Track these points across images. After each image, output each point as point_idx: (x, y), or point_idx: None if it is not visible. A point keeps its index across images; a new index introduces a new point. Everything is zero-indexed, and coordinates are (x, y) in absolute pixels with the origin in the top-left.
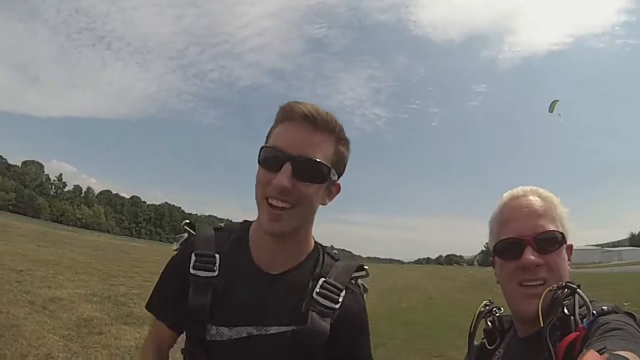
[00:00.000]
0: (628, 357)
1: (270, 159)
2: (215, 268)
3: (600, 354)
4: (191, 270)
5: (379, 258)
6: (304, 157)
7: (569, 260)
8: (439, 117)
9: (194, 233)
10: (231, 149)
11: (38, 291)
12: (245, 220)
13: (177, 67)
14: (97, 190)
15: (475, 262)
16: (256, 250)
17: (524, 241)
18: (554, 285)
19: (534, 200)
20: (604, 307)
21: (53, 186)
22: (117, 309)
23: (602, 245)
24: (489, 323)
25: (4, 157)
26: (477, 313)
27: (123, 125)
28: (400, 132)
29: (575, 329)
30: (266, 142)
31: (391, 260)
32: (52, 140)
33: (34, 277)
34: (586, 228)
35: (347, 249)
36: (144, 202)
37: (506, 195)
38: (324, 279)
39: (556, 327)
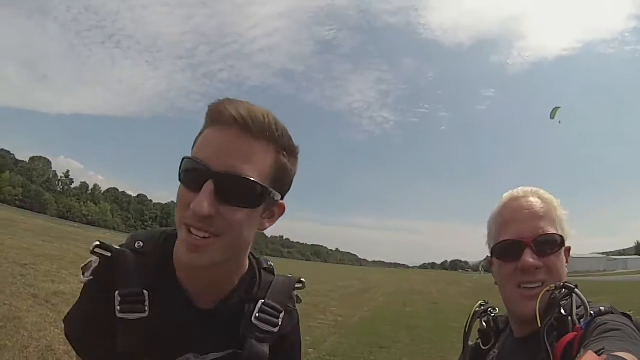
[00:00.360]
0: (626, 358)
1: (191, 175)
2: (145, 308)
3: (599, 355)
4: (118, 315)
5: (384, 262)
6: (231, 174)
7: (567, 262)
8: (448, 121)
9: (109, 257)
10: None
11: (41, 285)
12: (164, 234)
13: (187, 66)
14: (103, 188)
15: (480, 268)
16: (185, 279)
17: (523, 243)
18: (552, 286)
19: (535, 201)
20: (601, 308)
21: (60, 182)
22: None
23: (607, 254)
24: (484, 323)
25: (11, 153)
26: (472, 313)
27: (131, 124)
28: (408, 135)
29: (572, 329)
30: (191, 153)
31: (396, 265)
32: (60, 137)
33: (38, 271)
34: (592, 236)
35: (352, 253)
36: (150, 200)
37: (506, 195)
38: (262, 301)
39: (554, 328)
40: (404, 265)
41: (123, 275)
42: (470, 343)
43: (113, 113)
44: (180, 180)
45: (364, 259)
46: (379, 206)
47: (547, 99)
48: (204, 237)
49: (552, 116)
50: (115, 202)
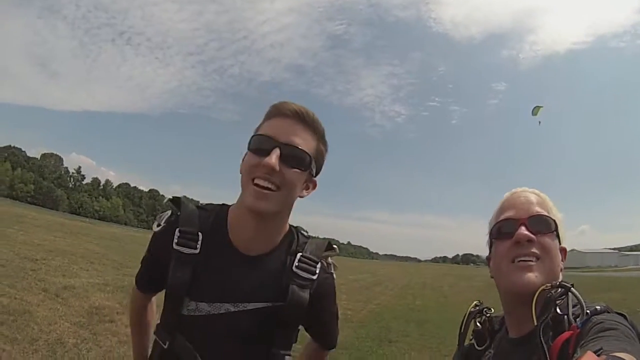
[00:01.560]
0: (625, 358)
1: (261, 145)
2: (197, 246)
3: (598, 355)
4: (174, 246)
5: (395, 256)
6: (291, 144)
7: (562, 261)
8: (459, 115)
9: (178, 211)
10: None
11: (52, 279)
12: (224, 204)
13: (197, 62)
14: (115, 184)
15: None
16: (234, 232)
17: (519, 220)
18: (548, 285)
19: (531, 195)
20: (597, 307)
21: (72, 178)
22: (129, 299)
23: (619, 249)
24: (479, 324)
25: (22, 150)
26: (467, 313)
27: (142, 120)
28: (420, 129)
29: (568, 328)
30: (257, 132)
31: (408, 258)
32: (72, 134)
33: (49, 266)
34: (604, 231)
35: (364, 246)
36: (162, 195)
37: (506, 193)
38: (300, 254)
39: (549, 327)
40: (416, 258)
41: (184, 218)
42: (465, 344)
43: (124, 109)
44: (249, 149)
45: (376, 253)
46: (390, 200)
47: (559, 92)
48: (268, 188)
49: (534, 113)
50: (127, 198)
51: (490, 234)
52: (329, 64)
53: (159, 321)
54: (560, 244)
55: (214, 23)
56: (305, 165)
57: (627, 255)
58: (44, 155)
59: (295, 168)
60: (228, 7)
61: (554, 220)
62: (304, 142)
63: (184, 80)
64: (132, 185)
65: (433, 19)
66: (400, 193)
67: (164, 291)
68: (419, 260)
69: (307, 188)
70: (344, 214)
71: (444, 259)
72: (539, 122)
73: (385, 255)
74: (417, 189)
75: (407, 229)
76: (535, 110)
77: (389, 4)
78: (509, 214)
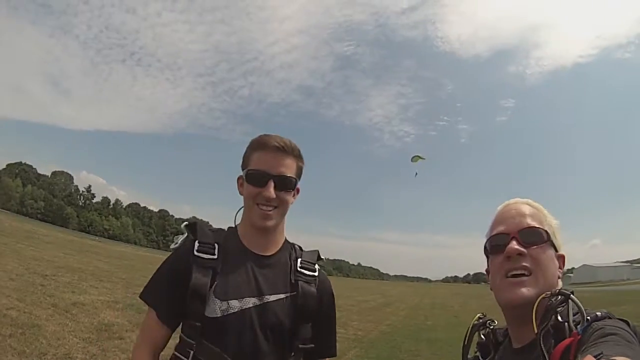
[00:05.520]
0: None
1: (258, 178)
2: (215, 252)
3: None
4: (195, 253)
5: (405, 276)
6: (282, 175)
7: (560, 268)
8: (468, 133)
9: (193, 233)
10: None
11: (62, 295)
12: (229, 227)
13: (207, 83)
14: (125, 203)
15: None
16: (246, 240)
17: (509, 235)
18: (548, 292)
19: (522, 206)
20: (597, 313)
21: (82, 197)
22: (138, 317)
23: (631, 262)
24: (483, 336)
25: (33, 167)
26: (470, 326)
27: (153, 140)
28: (429, 149)
29: (569, 335)
30: (248, 166)
31: (418, 279)
32: (83, 153)
33: (59, 282)
34: (616, 244)
35: (374, 267)
36: (172, 215)
37: (499, 206)
38: (300, 259)
39: (550, 334)
40: (426, 279)
41: (201, 234)
42: (469, 356)
43: (135, 129)
44: (247, 182)
45: (386, 273)
46: (400, 220)
47: (568, 106)
48: (270, 212)
49: (414, 161)
50: (137, 217)
51: (485, 249)
52: (338, 84)
53: (179, 341)
54: (557, 251)
55: (224, 44)
56: (293, 186)
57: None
58: (54, 173)
59: (286, 191)
60: (237, 28)
61: (546, 231)
62: (289, 169)
63: (194, 101)
64: (142, 205)
65: (440, 37)
66: (410, 213)
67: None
68: (430, 281)
69: (294, 195)
70: (354, 234)
71: (455, 279)
72: (415, 174)
73: (396, 276)
74: (427, 208)
75: (418, 249)
76: (414, 159)
77: (396, 24)
78: (500, 228)
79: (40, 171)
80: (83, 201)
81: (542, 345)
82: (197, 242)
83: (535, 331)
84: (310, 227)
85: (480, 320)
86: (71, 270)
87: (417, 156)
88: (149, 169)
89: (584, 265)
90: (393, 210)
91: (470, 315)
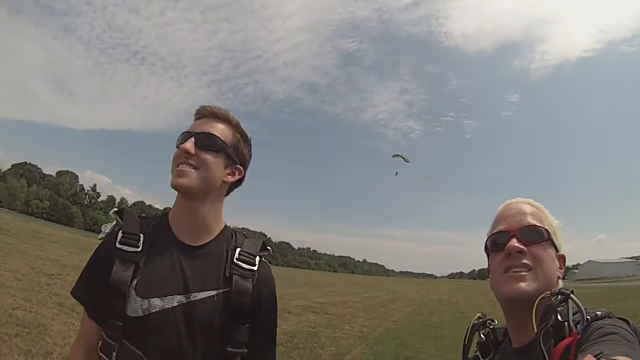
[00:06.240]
0: None
1: (181, 138)
2: (139, 245)
3: (598, 359)
4: (117, 245)
5: (411, 272)
6: (204, 132)
7: (560, 269)
8: (473, 128)
9: (121, 220)
10: (264, 162)
11: (67, 294)
12: (165, 209)
13: (211, 81)
14: (130, 201)
15: None
16: (175, 225)
17: (510, 232)
18: (547, 292)
19: (524, 205)
20: (597, 313)
21: (87, 196)
22: None
23: (637, 258)
24: (483, 336)
25: (38, 167)
26: (470, 325)
27: (158, 139)
28: (434, 145)
29: (569, 335)
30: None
31: (424, 275)
32: (87, 152)
33: (64, 281)
34: (622, 240)
35: (379, 263)
36: None
37: (500, 205)
38: (239, 248)
39: (550, 334)
40: (432, 275)
41: (126, 223)
42: (469, 356)
43: (139, 128)
44: (176, 146)
45: (392, 270)
46: (406, 216)
47: (573, 101)
48: (186, 169)
49: (394, 157)
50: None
51: (486, 247)
52: (342, 81)
53: (100, 341)
54: (557, 251)
55: (228, 42)
56: (217, 147)
57: None
58: (59, 173)
59: (208, 150)
60: (241, 26)
61: (546, 230)
62: (217, 130)
63: (198, 99)
64: (147, 203)
65: (444, 33)
66: (416, 209)
67: None
68: (435, 277)
69: (232, 174)
70: (359, 231)
71: (460, 275)
72: (396, 173)
73: (401, 272)
74: (433, 204)
75: (423, 245)
76: (395, 156)
77: (399, 20)
78: (501, 227)
79: (45, 171)
80: (88, 200)
81: (541, 344)
82: (120, 232)
83: (535, 331)
84: (315, 224)
85: (480, 320)
86: (77, 269)
87: (398, 155)
88: (153, 168)
89: (589, 261)
90: (398, 207)
91: (476, 311)
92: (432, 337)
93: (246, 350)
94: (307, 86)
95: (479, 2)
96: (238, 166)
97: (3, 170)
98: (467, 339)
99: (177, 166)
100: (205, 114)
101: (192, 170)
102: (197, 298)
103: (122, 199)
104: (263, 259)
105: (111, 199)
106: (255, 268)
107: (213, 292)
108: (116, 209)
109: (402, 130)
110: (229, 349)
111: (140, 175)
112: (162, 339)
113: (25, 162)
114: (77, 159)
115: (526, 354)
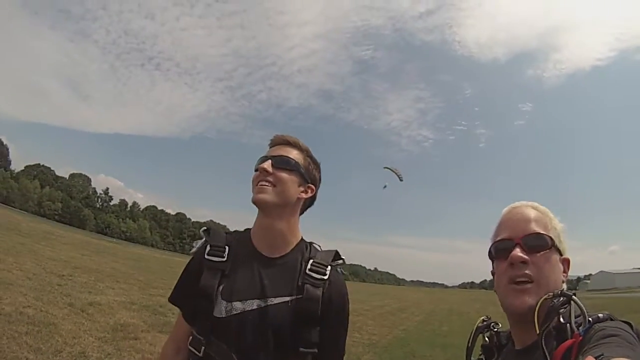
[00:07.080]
0: None
1: (259, 161)
2: (224, 255)
3: None
4: (205, 256)
5: (422, 281)
6: (279, 155)
7: (564, 272)
8: (486, 137)
9: (209, 235)
10: None
11: (78, 295)
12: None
13: (226, 88)
14: (142, 206)
15: None
16: (256, 239)
17: (513, 241)
18: (550, 294)
19: (527, 210)
20: (599, 315)
21: (99, 199)
22: (154, 318)
23: None
24: (487, 338)
25: (52, 169)
26: (474, 328)
27: (171, 144)
28: (447, 153)
29: (571, 336)
30: None
31: (435, 284)
32: (101, 155)
33: (75, 282)
34: (635, 251)
35: (391, 272)
36: (189, 219)
37: (504, 209)
38: (312, 260)
39: (552, 336)
40: (443, 284)
41: (213, 237)
42: (473, 358)
43: (153, 133)
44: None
45: (402, 279)
46: (418, 225)
47: (586, 110)
48: (265, 186)
49: (385, 168)
50: (154, 220)
51: (489, 253)
52: (356, 88)
53: (191, 337)
54: (562, 255)
55: (243, 49)
56: (291, 167)
57: None
58: (72, 175)
59: (283, 169)
60: (256, 33)
61: (550, 237)
62: (290, 154)
63: (212, 105)
64: (159, 208)
65: (457, 41)
66: (428, 218)
67: None
68: (446, 286)
69: (305, 191)
70: (371, 239)
71: (472, 284)
72: (385, 186)
73: (412, 281)
74: (445, 213)
75: (435, 254)
76: (386, 169)
77: (413, 28)
78: (504, 234)
79: (58, 173)
80: (100, 203)
81: (543, 346)
82: (208, 245)
83: (537, 332)
84: (328, 232)
85: (485, 323)
86: (88, 271)
87: (388, 167)
88: (166, 173)
89: (601, 271)
90: (411, 216)
91: None
92: (440, 345)
93: (316, 350)
94: (321, 93)
95: (493, 11)
96: (310, 185)
97: (16, 171)
98: (470, 342)
99: (257, 184)
100: (278, 141)
101: (270, 187)
102: (272, 303)
103: (135, 203)
104: (337, 268)
105: (123, 202)
106: (325, 277)
107: (287, 298)
108: (204, 228)
109: (416, 138)
110: (301, 349)
111: (152, 179)
112: (240, 337)
113: (39, 164)
114: (90, 162)
115: (528, 356)
